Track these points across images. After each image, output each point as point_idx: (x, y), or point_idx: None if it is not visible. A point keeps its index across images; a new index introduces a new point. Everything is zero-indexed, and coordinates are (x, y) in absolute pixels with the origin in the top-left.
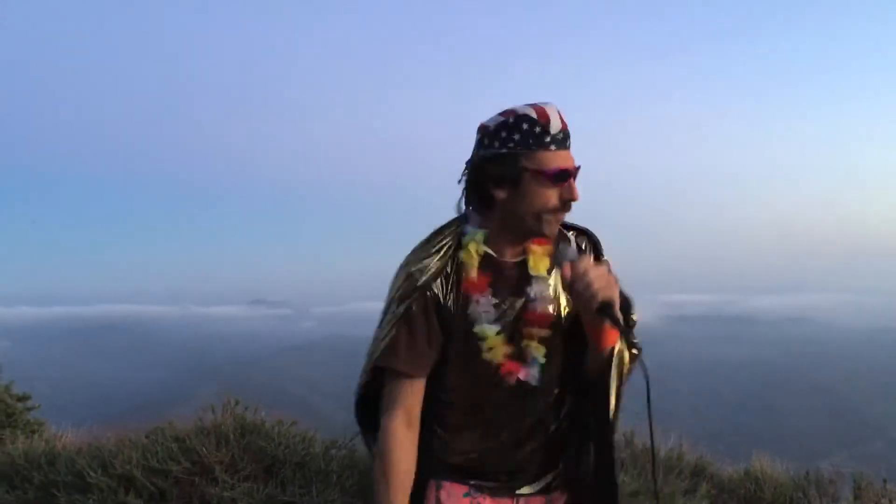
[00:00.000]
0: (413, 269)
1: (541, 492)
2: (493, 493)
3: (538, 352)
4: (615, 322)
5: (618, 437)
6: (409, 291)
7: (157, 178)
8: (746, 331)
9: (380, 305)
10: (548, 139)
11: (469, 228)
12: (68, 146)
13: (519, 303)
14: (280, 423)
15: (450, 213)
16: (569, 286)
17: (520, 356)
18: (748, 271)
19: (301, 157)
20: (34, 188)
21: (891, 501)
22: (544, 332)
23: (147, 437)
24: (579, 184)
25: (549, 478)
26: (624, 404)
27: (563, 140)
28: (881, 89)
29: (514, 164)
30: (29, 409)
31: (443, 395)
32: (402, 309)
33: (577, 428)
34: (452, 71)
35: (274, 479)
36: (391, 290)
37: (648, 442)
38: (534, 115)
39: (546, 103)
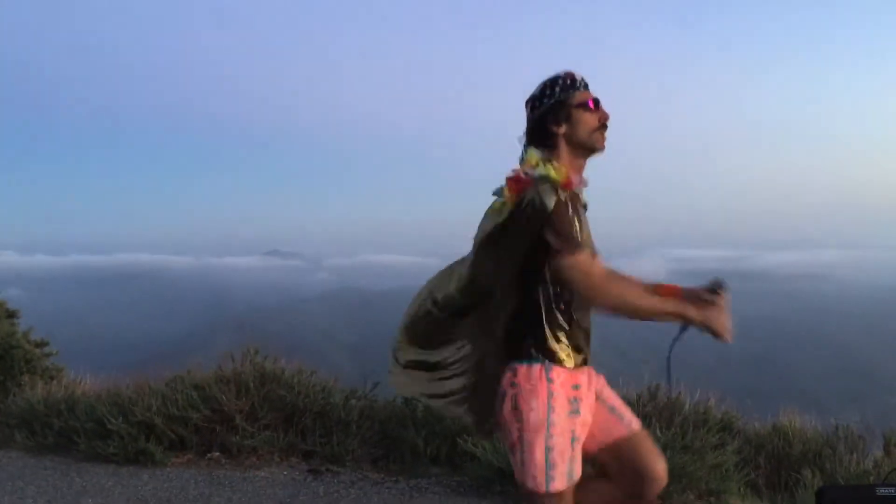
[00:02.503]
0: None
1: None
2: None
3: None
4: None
5: (641, 391)
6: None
7: (172, 129)
8: (760, 287)
9: (391, 258)
10: (578, 84)
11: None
12: (86, 92)
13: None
14: (300, 372)
15: (463, 167)
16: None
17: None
18: (763, 226)
19: (316, 107)
20: (53, 135)
21: None
22: None
23: (167, 384)
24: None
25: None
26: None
27: (586, 85)
28: None
29: (564, 105)
30: (48, 356)
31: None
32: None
33: None
34: (470, 33)
35: (294, 428)
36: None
37: (672, 395)
38: (561, 74)
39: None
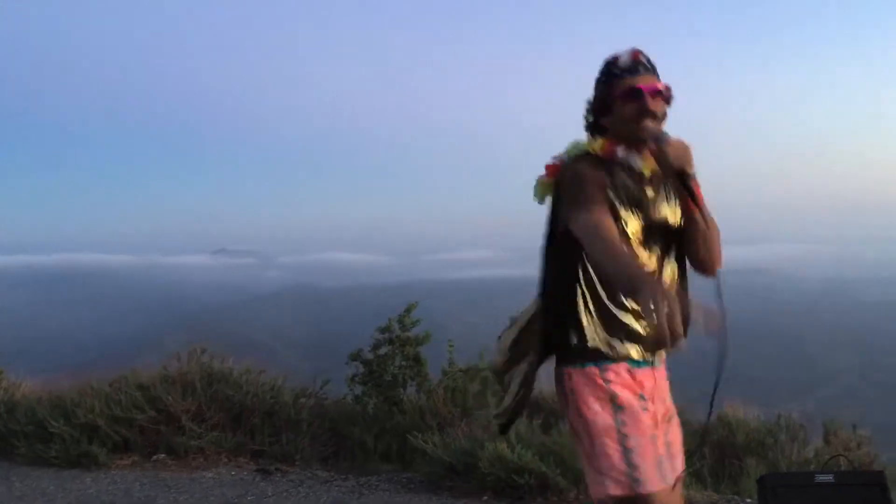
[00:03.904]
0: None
1: None
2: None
3: None
4: (688, 189)
5: None
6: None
7: (115, 124)
8: (705, 281)
9: (344, 256)
10: (617, 71)
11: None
12: (30, 86)
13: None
14: (248, 371)
15: (418, 165)
16: (653, 157)
17: None
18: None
19: (266, 102)
20: None
21: (859, 445)
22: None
23: (110, 385)
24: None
25: None
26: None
27: (633, 68)
28: (852, 40)
29: (605, 97)
30: None
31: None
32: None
33: None
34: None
35: (242, 428)
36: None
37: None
38: (609, 59)
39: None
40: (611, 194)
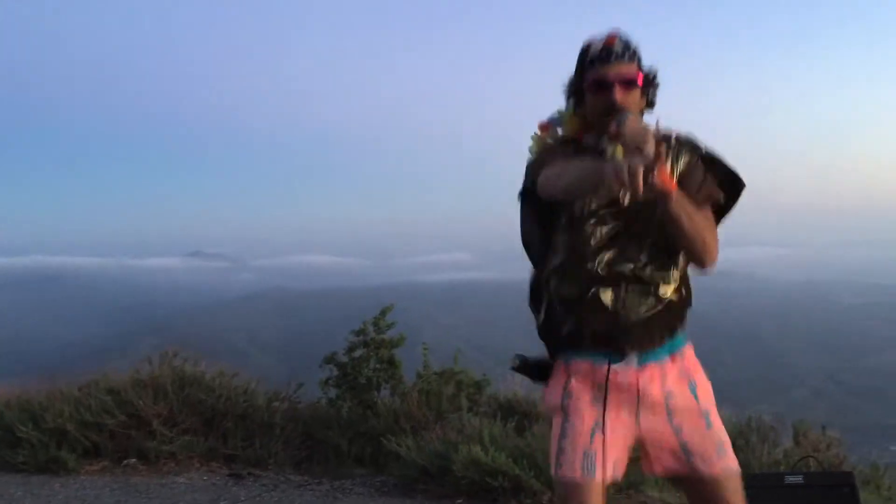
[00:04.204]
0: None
1: None
2: None
3: None
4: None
5: None
6: None
7: (87, 126)
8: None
9: (317, 258)
10: (588, 59)
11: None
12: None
13: None
14: (221, 374)
15: (389, 167)
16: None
17: None
18: None
19: (240, 104)
20: None
21: (828, 447)
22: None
23: (80, 390)
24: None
25: None
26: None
27: (604, 57)
28: (820, 40)
29: (578, 86)
30: None
31: None
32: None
33: None
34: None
35: (214, 432)
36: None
37: None
38: (585, 44)
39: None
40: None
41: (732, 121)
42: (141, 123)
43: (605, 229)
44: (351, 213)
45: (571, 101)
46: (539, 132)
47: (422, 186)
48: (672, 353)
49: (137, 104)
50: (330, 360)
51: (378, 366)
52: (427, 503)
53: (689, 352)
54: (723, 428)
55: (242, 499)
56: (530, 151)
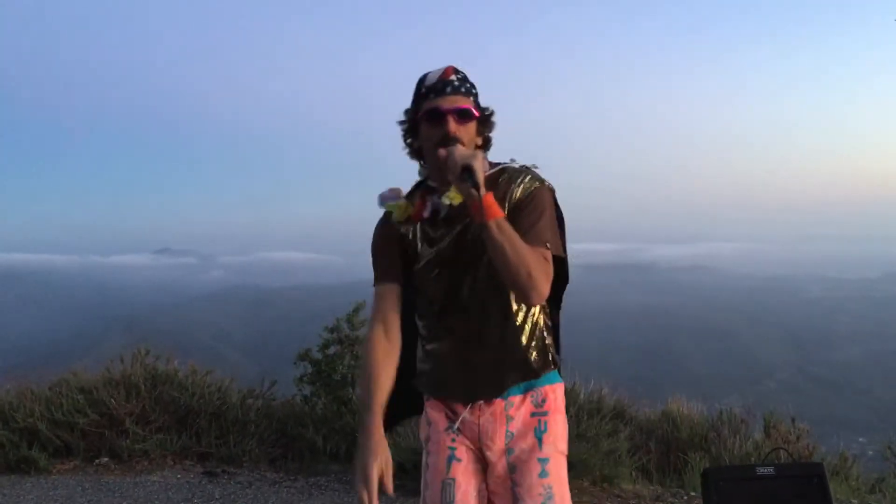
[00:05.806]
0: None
1: None
2: None
3: None
4: (475, 185)
5: None
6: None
7: (51, 121)
8: (649, 279)
9: (287, 255)
10: (423, 90)
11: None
12: None
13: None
14: (194, 372)
15: (362, 163)
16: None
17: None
18: (652, 222)
19: (210, 100)
20: None
21: (798, 438)
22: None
23: (51, 388)
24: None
25: None
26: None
27: (440, 89)
28: (782, 41)
29: (411, 119)
30: None
31: None
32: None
33: None
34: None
35: (188, 430)
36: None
37: (584, 391)
38: (422, 77)
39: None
40: (406, 250)
41: (695, 111)
42: (109, 121)
43: (447, 279)
44: (322, 210)
45: (423, 168)
46: (392, 202)
47: (394, 181)
48: (527, 392)
49: (105, 102)
50: (304, 356)
51: (353, 362)
52: (403, 499)
53: (551, 392)
54: (563, 480)
55: (217, 497)
56: (393, 220)
